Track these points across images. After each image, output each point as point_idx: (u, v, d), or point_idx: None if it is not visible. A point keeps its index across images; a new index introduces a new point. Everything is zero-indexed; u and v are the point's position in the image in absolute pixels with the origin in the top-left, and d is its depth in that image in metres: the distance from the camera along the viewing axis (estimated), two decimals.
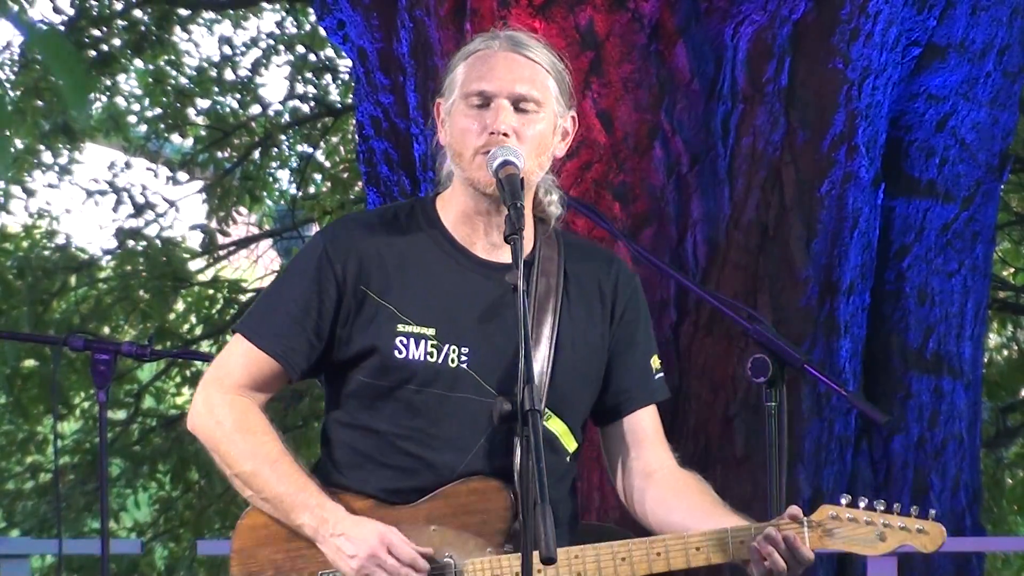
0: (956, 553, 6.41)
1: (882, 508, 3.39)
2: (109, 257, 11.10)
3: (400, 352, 3.37)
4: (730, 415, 5.98)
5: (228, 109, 11.60)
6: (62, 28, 10.30)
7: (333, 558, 3.34)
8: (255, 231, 12.60)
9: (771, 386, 3.80)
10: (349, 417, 3.44)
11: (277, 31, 11.61)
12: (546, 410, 3.42)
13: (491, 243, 3.44)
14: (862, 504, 3.38)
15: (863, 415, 5.57)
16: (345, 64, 11.13)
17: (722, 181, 6.04)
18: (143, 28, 10.70)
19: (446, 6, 6.17)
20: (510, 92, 3.38)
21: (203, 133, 11.57)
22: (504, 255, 3.36)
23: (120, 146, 12.04)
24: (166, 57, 11.41)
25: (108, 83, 11.27)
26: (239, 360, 3.44)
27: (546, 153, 3.44)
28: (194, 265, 11.30)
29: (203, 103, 11.56)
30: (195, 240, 11.24)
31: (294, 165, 11.94)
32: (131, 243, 10.95)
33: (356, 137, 7.91)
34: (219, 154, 11.55)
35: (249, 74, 11.55)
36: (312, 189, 11.95)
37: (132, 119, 11.95)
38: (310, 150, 11.83)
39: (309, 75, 11.61)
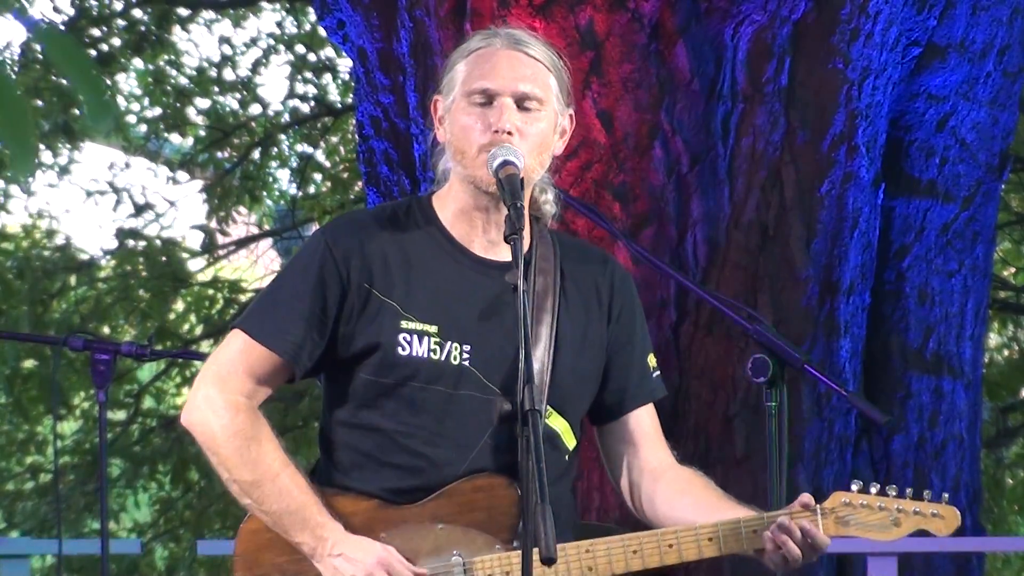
0: (956, 553, 6.41)
1: (894, 493, 3.38)
2: (109, 257, 11.10)
3: (403, 349, 3.36)
4: (730, 415, 5.98)
5: (228, 109, 11.60)
6: (62, 28, 10.31)
7: None
8: (255, 231, 12.60)
9: (771, 386, 3.80)
10: (351, 416, 3.43)
11: (277, 31, 11.61)
12: (548, 407, 3.42)
13: (489, 240, 3.44)
14: (873, 490, 3.37)
15: (863, 415, 5.56)
16: (345, 64, 11.13)
17: (722, 181, 6.04)
18: (143, 28, 10.70)
19: (446, 6, 6.17)
20: (514, 91, 3.38)
21: (203, 133, 11.57)
22: (502, 253, 3.36)
23: (120, 146, 12.04)
24: (166, 57, 11.41)
25: (108, 83, 11.26)
26: (240, 357, 3.41)
27: (547, 151, 3.44)
28: (194, 265, 11.31)
29: (203, 103, 11.56)
30: (195, 240, 11.25)
31: (294, 165, 11.94)
32: (131, 243, 10.95)
33: (356, 137, 7.91)
34: (219, 154, 11.56)
35: (249, 74, 11.55)
36: (312, 189, 11.95)
37: (132, 119, 11.95)
38: (310, 150, 11.83)
39: (309, 75, 11.61)
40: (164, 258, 10.73)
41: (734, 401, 5.98)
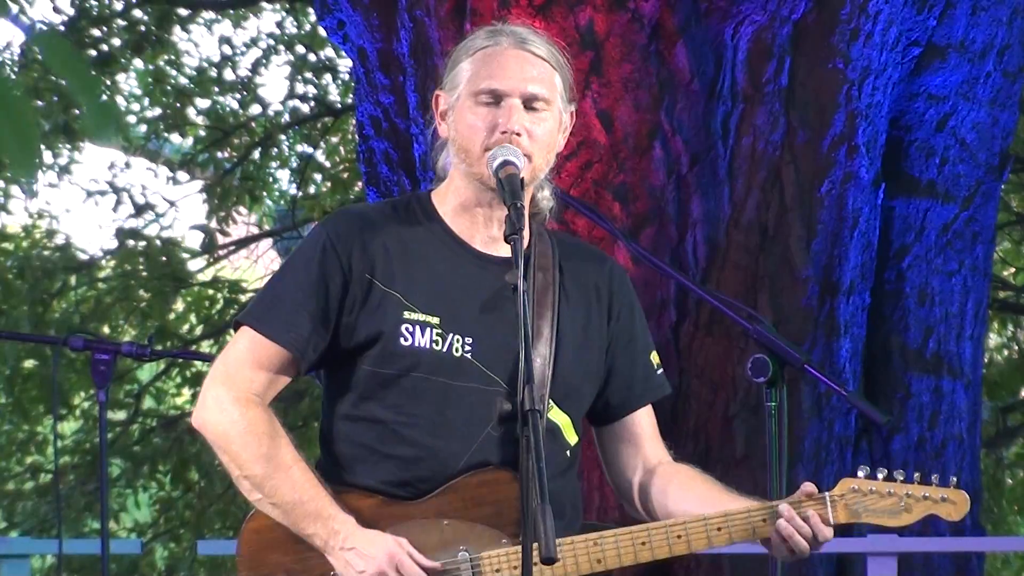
0: (956, 553, 6.42)
1: (902, 478, 3.37)
2: (109, 257, 11.10)
3: (406, 339, 3.36)
4: (730, 415, 5.98)
5: (228, 109, 11.60)
6: (62, 28, 10.31)
7: (342, 571, 3.33)
8: (255, 231, 12.60)
9: (771, 386, 3.80)
10: (352, 409, 3.42)
11: (277, 31, 11.62)
12: (550, 402, 3.42)
13: (490, 236, 3.44)
14: (881, 475, 3.37)
15: (863, 415, 5.57)
16: (345, 64, 11.13)
17: (722, 181, 6.04)
18: (143, 28, 10.70)
19: (446, 6, 6.17)
20: (522, 92, 3.38)
21: (203, 133, 11.57)
22: (502, 249, 3.36)
23: (120, 146, 12.04)
24: (166, 57, 11.41)
25: (108, 83, 11.26)
26: (247, 353, 3.40)
27: (553, 151, 3.45)
28: (194, 265, 11.31)
29: (203, 103, 11.56)
30: (195, 240, 11.25)
31: (294, 165, 11.94)
32: (131, 243, 10.95)
33: (356, 137, 7.92)
34: (219, 154, 11.56)
35: (249, 74, 11.55)
36: (312, 189, 11.95)
37: (132, 119, 11.95)
38: (310, 150, 11.83)
39: (309, 75, 11.61)
40: (164, 258, 10.73)
41: (734, 401, 5.98)
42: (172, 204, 11.37)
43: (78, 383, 10.53)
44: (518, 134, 3.35)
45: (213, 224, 11.14)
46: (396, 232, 3.44)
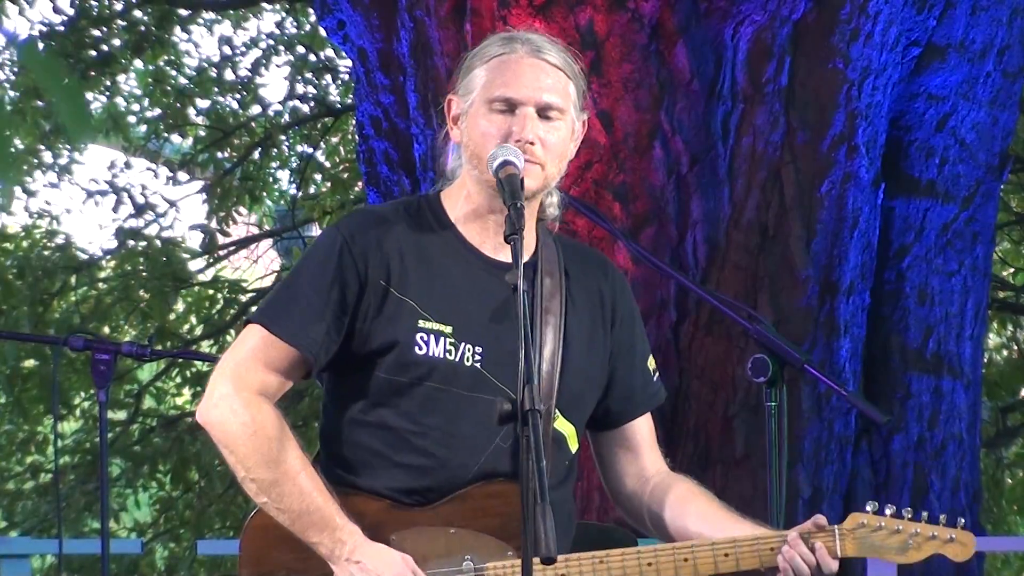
0: None
1: (910, 516, 3.38)
2: (109, 257, 11.10)
3: (420, 348, 3.35)
4: (730, 415, 5.98)
5: (228, 109, 11.59)
6: (61, 28, 10.32)
7: None
8: (255, 231, 12.59)
9: (771, 386, 3.80)
10: (362, 414, 3.41)
11: (277, 31, 11.61)
12: (556, 411, 3.42)
13: (499, 242, 3.43)
14: (889, 511, 3.38)
15: (863, 415, 5.57)
16: (345, 64, 11.13)
17: (722, 181, 6.04)
18: (143, 28, 10.69)
19: (446, 6, 6.17)
20: (537, 101, 3.38)
21: (203, 133, 11.57)
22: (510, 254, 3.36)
23: (120, 146, 12.03)
24: (166, 57, 11.41)
25: (108, 83, 11.27)
26: (257, 352, 3.37)
27: (566, 159, 3.45)
28: (194, 265, 11.30)
29: (203, 103, 11.56)
30: (195, 240, 11.24)
31: (294, 165, 11.93)
32: (131, 243, 10.95)
33: (356, 137, 7.92)
34: (219, 154, 11.55)
35: (249, 74, 11.54)
36: (312, 189, 11.95)
37: (132, 119, 11.95)
38: (310, 150, 11.83)
39: (309, 75, 11.60)
40: (164, 258, 10.72)
41: (734, 401, 5.98)
42: (172, 204, 11.36)
43: (78, 383, 10.53)
44: (532, 143, 3.35)
45: (213, 224, 11.13)
46: (410, 237, 3.42)
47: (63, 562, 5.97)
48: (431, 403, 3.36)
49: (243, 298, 11.26)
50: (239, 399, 3.35)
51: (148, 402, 11.28)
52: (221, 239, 11.26)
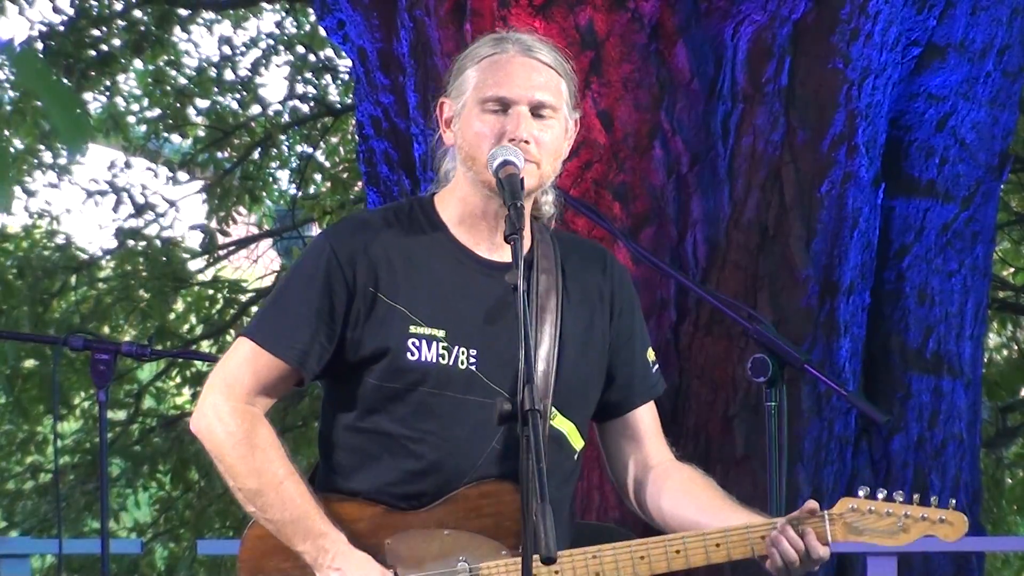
0: (955, 553, 6.41)
1: (901, 499, 3.38)
2: (109, 257, 11.10)
3: (412, 354, 3.36)
4: (730, 415, 5.98)
5: (228, 109, 11.60)
6: (61, 28, 10.32)
7: None
8: (255, 231, 12.59)
9: (771, 386, 3.80)
10: (357, 420, 3.42)
11: (277, 31, 11.61)
12: (553, 409, 3.42)
13: (493, 243, 3.44)
14: (880, 496, 3.37)
15: (863, 415, 5.57)
16: (345, 64, 11.13)
17: (722, 181, 6.04)
18: (143, 28, 10.69)
19: (446, 6, 6.17)
20: (530, 99, 3.38)
21: (203, 133, 11.57)
22: (506, 254, 3.35)
23: (120, 146, 12.04)
24: (166, 57, 11.41)
25: (108, 83, 11.27)
26: (248, 365, 3.40)
27: (560, 157, 3.46)
28: (194, 265, 11.31)
29: (203, 103, 11.56)
30: (195, 240, 11.25)
31: (294, 165, 11.93)
32: (131, 243, 10.95)
33: (356, 137, 7.92)
34: (219, 154, 11.55)
35: (249, 74, 11.55)
36: (312, 189, 11.95)
37: (132, 119, 11.95)
38: (310, 150, 11.83)
39: (309, 75, 11.61)
40: (164, 258, 10.73)
41: (734, 401, 5.98)
42: (172, 204, 11.37)
43: (78, 383, 10.53)
44: (526, 142, 3.35)
45: (213, 224, 11.14)
46: (400, 242, 3.42)
47: (63, 562, 5.97)
48: (425, 408, 3.37)
49: (243, 298, 11.26)
50: (227, 409, 3.38)
51: (148, 402, 11.28)
52: (221, 239, 11.27)
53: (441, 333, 3.37)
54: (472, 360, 3.37)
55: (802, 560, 3.34)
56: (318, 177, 11.99)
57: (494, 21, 5.92)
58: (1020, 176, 10.28)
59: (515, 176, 3.30)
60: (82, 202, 11.35)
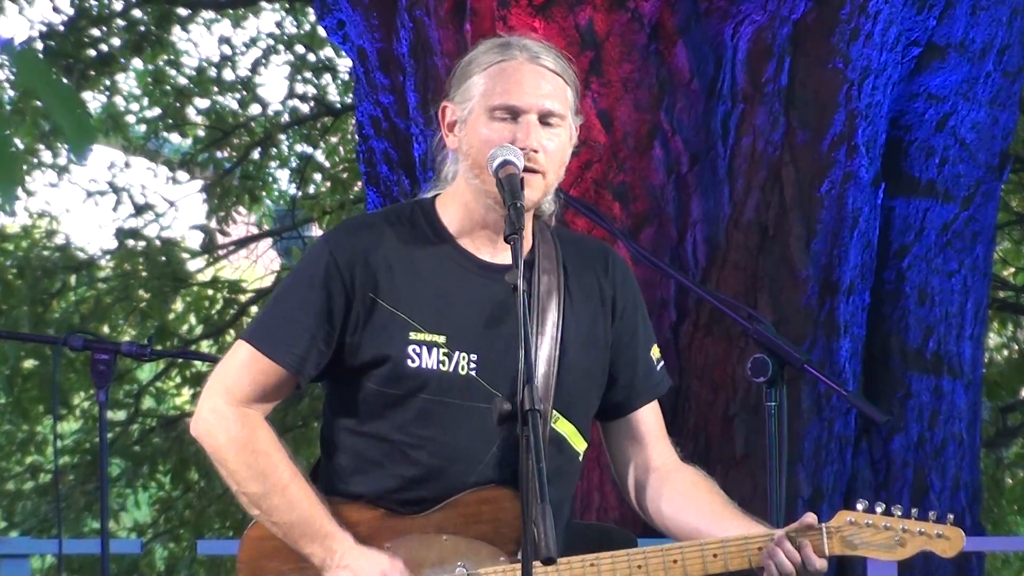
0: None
1: (899, 513, 3.38)
2: (109, 257, 11.10)
3: (413, 361, 3.35)
4: (730, 415, 5.98)
5: (228, 109, 11.59)
6: (61, 28, 10.32)
7: None
8: (255, 231, 12.59)
9: (771, 386, 3.80)
10: (357, 424, 3.42)
11: (277, 31, 11.61)
12: (554, 412, 3.41)
13: (495, 246, 3.43)
14: (879, 509, 3.37)
15: (863, 415, 5.57)
16: (345, 64, 11.13)
17: (722, 181, 6.04)
18: (142, 28, 10.69)
19: (446, 6, 6.17)
20: (540, 108, 3.37)
21: (202, 133, 11.57)
22: (508, 256, 3.32)
23: (120, 146, 12.04)
24: (165, 57, 11.41)
25: (107, 83, 11.27)
26: (247, 370, 3.40)
27: (564, 164, 3.45)
28: (194, 265, 11.31)
29: (203, 103, 11.56)
30: (195, 240, 11.25)
31: (294, 165, 11.93)
32: (131, 243, 10.95)
33: (356, 137, 7.92)
34: (219, 154, 11.55)
35: (248, 74, 11.55)
36: (312, 189, 11.95)
37: (131, 119, 11.95)
38: (310, 150, 11.83)
39: (309, 75, 11.60)
40: (164, 258, 10.72)
41: (734, 401, 5.98)
42: (172, 204, 11.37)
43: (78, 383, 10.53)
44: (535, 151, 3.35)
45: (213, 224, 11.14)
46: (400, 247, 3.41)
47: (63, 562, 5.96)
48: (426, 415, 3.37)
49: (243, 298, 11.26)
50: (228, 413, 3.38)
51: (148, 402, 11.28)
52: (221, 239, 11.27)
53: (442, 339, 3.36)
54: (473, 365, 3.36)
55: (799, 573, 3.33)
56: (318, 177, 11.99)
57: (494, 21, 5.92)
58: (1020, 176, 10.28)
59: (515, 176, 3.29)
60: (82, 202, 11.36)
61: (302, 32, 11.55)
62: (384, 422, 3.38)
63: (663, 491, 3.52)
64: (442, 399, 3.36)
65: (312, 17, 11.00)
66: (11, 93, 10.61)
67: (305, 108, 11.67)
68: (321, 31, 9.83)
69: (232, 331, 10.76)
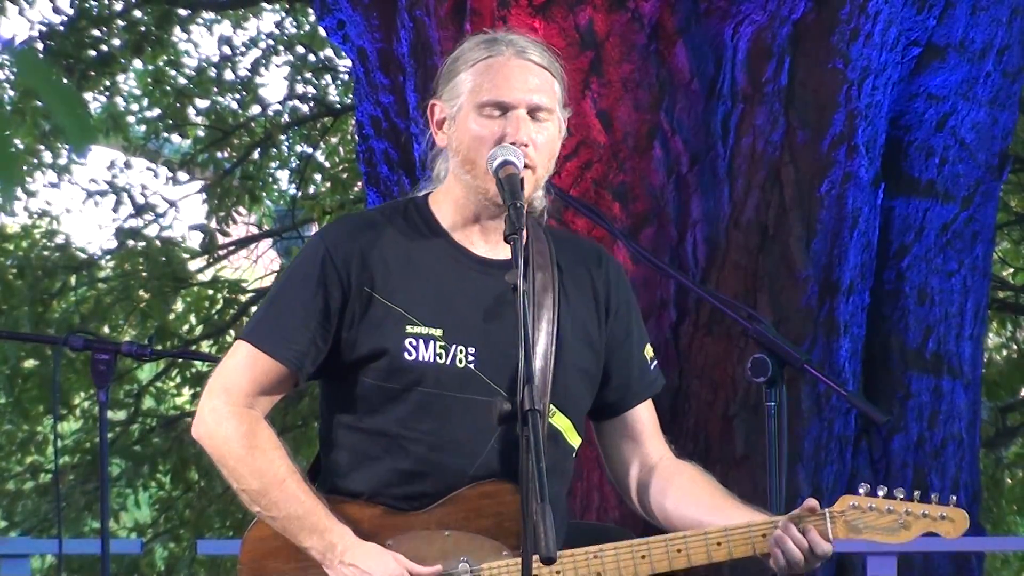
0: (955, 553, 6.42)
1: (902, 496, 3.38)
2: (109, 257, 11.10)
3: (410, 354, 3.36)
4: (730, 415, 5.98)
5: (228, 109, 11.60)
6: (61, 28, 10.32)
7: None
8: (255, 231, 12.60)
9: (771, 386, 3.80)
10: (355, 420, 3.42)
11: (277, 31, 11.61)
12: (551, 407, 3.42)
13: (489, 241, 3.45)
14: (881, 492, 3.37)
15: (863, 415, 5.57)
16: (345, 64, 11.13)
17: (722, 181, 6.04)
18: (143, 28, 10.70)
19: (446, 6, 6.17)
20: (528, 103, 3.39)
21: (202, 133, 11.57)
22: (502, 252, 3.36)
23: (120, 146, 12.04)
24: (165, 57, 11.41)
25: (108, 83, 11.27)
26: (245, 368, 3.41)
27: (554, 158, 3.46)
28: (194, 265, 11.31)
29: (203, 103, 11.56)
30: (195, 240, 11.25)
31: (294, 165, 11.94)
32: (131, 243, 10.95)
33: (356, 137, 7.92)
34: (219, 154, 11.55)
35: (249, 74, 11.55)
36: (312, 189, 11.95)
37: (131, 119, 11.95)
38: (310, 150, 11.83)
39: (309, 75, 11.61)
40: (164, 258, 10.72)
41: (734, 401, 5.98)
42: (172, 204, 11.37)
43: (78, 383, 10.53)
44: (526, 145, 3.36)
45: (213, 224, 11.14)
46: (395, 242, 3.43)
47: (63, 562, 5.96)
48: (424, 408, 3.37)
49: (243, 298, 11.26)
50: (227, 412, 3.39)
51: (148, 402, 11.28)
52: (221, 239, 11.27)
53: (438, 332, 3.37)
54: (471, 358, 3.37)
55: (807, 558, 3.34)
56: (318, 177, 11.99)
57: (494, 21, 5.92)
58: (1020, 176, 10.28)
59: (515, 176, 3.31)
60: (82, 202, 11.36)
61: (302, 32, 11.55)
62: (382, 417, 3.39)
63: (662, 487, 3.53)
64: (440, 392, 3.36)
65: (312, 17, 11.00)
66: (11, 93, 10.61)
67: (305, 108, 11.67)
68: (321, 31, 9.83)
69: (232, 331, 10.77)
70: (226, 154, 11.59)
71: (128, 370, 10.64)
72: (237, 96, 11.59)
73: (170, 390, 11.33)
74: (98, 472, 6.26)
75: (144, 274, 10.68)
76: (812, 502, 3.38)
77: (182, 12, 11.00)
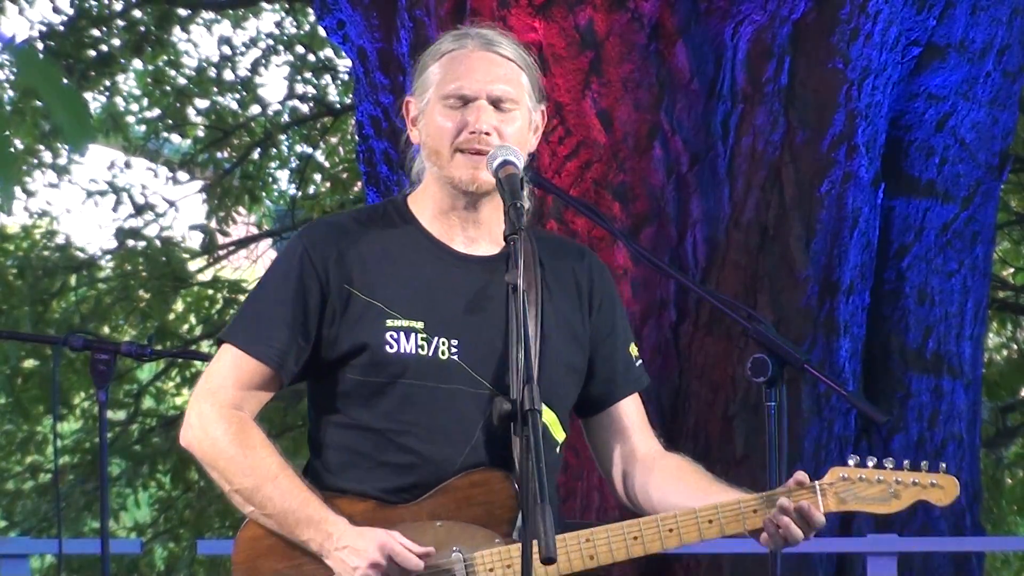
0: (956, 553, 6.42)
1: (891, 466, 3.38)
2: (109, 257, 11.10)
3: (391, 347, 3.38)
4: (730, 415, 5.98)
5: (228, 109, 11.60)
6: (61, 28, 10.32)
7: (339, 571, 3.35)
8: (255, 231, 12.60)
9: (771, 386, 3.80)
10: (342, 417, 3.43)
11: (276, 31, 11.62)
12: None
13: (468, 237, 3.47)
14: (871, 463, 3.37)
15: (863, 415, 5.57)
16: (345, 64, 11.13)
17: (722, 181, 6.04)
18: (142, 28, 10.70)
19: (446, 6, 6.17)
20: (489, 92, 3.40)
21: (202, 133, 11.57)
22: (482, 248, 3.41)
23: (120, 146, 12.04)
24: (165, 57, 11.42)
25: (107, 83, 11.27)
26: (229, 370, 3.43)
27: (526, 150, 3.47)
28: (194, 265, 11.31)
29: (202, 103, 11.56)
30: (195, 240, 11.25)
31: (293, 165, 11.94)
32: (131, 243, 10.96)
33: (356, 137, 7.92)
34: (219, 154, 11.56)
35: (248, 74, 11.55)
36: (312, 189, 11.96)
37: (131, 119, 11.95)
38: (309, 150, 11.84)
39: (308, 75, 11.61)
40: (164, 258, 10.73)
41: (734, 401, 5.98)
42: (172, 204, 11.38)
43: (78, 383, 10.53)
44: (487, 133, 3.37)
45: (213, 224, 11.14)
46: (373, 239, 3.45)
47: (63, 562, 5.96)
48: (409, 400, 3.38)
49: (242, 298, 11.25)
50: (214, 415, 3.40)
51: (148, 402, 11.28)
52: (221, 239, 11.27)
53: (419, 324, 3.39)
54: (454, 350, 3.39)
55: (803, 530, 3.35)
56: (318, 177, 12.00)
57: (494, 21, 5.92)
58: (1020, 176, 10.29)
59: (515, 176, 3.31)
60: (82, 202, 11.36)
61: (302, 32, 11.56)
62: (368, 412, 3.40)
63: (649, 478, 3.53)
64: (424, 383, 3.37)
65: (312, 17, 11.00)
66: (11, 93, 10.61)
67: (305, 108, 11.68)
68: (321, 31, 9.83)
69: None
70: (226, 154, 11.60)
71: (128, 370, 10.65)
72: (237, 96, 11.60)
73: (170, 390, 11.33)
74: (98, 472, 6.26)
75: (144, 274, 10.68)
76: (802, 475, 3.38)
77: (182, 12, 11.01)
